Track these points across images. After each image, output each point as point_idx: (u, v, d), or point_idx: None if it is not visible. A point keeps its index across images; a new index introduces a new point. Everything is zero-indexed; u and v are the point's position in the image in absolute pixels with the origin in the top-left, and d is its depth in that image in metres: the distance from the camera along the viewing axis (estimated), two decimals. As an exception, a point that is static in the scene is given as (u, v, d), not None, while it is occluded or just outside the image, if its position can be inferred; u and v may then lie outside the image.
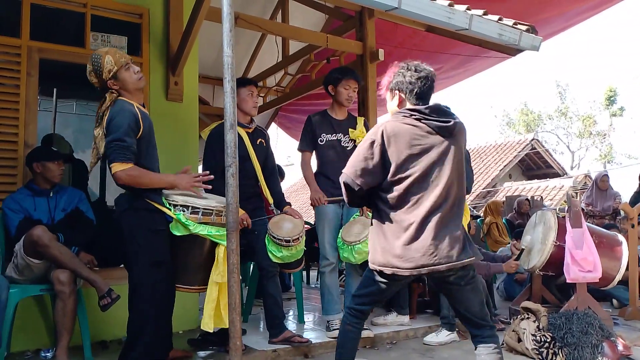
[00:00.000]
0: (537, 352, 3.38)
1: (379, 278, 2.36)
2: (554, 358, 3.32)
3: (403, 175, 2.25)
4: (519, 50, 5.04)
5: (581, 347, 3.30)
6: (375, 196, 2.36)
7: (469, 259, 2.24)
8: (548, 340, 3.39)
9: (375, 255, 2.34)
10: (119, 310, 3.05)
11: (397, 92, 2.40)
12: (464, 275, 2.27)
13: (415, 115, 2.28)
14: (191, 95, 4.31)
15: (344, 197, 2.42)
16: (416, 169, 2.24)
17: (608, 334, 3.40)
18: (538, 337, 3.43)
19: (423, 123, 2.27)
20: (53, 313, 3.06)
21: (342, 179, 2.35)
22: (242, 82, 3.60)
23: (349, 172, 2.32)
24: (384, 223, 2.31)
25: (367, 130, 4.00)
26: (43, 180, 3.38)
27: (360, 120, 4.07)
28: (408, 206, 2.25)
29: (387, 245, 2.27)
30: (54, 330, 3.02)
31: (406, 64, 2.41)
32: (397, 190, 2.26)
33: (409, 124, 2.27)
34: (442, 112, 2.31)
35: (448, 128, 2.28)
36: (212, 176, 2.88)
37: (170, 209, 2.79)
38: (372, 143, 2.28)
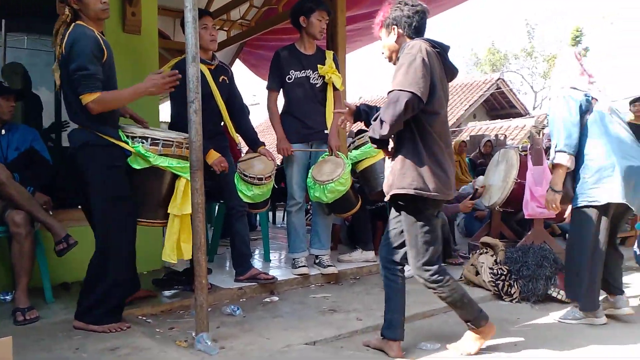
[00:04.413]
0: (494, 284, 3.52)
1: (427, 209, 2.31)
2: (510, 290, 3.47)
3: (439, 103, 2.29)
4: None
5: (535, 279, 3.45)
6: (418, 123, 2.27)
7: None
8: (504, 273, 3.53)
9: (425, 182, 2.24)
10: (81, 252, 2.99)
11: (394, 27, 2.38)
12: None
13: (437, 49, 2.31)
14: (150, 27, 4.08)
15: (390, 124, 2.16)
16: (443, 100, 2.32)
17: (561, 266, 3.55)
18: (495, 270, 3.56)
19: (442, 59, 2.32)
20: (10, 255, 2.99)
21: (403, 98, 2.13)
22: None
23: (415, 89, 2.14)
24: (432, 150, 2.27)
25: (337, 65, 3.90)
26: None
27: (330, 55, 3.94)
28: (443, 136, 2.32)
29: (438, 171, 2.27)
30: (13, 273, 2.96)
31: None
32: (437, 118, 2.30)
33: (434, 54, 2.29)
34: (449, 52, 2.38)
35: (453, 74, 2.41)
36: (180, 75, 2.67)
37: (127, 142, 2.69)
38: (424, 61, 2.19)
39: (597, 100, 2.99)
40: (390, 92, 2.21)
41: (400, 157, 2.31)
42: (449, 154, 2.36)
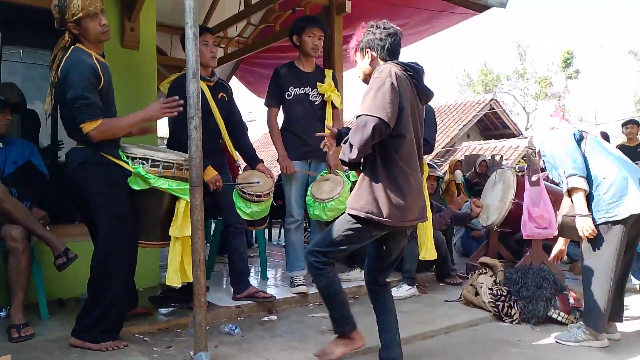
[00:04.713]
0: (494, 305, 3.50)
1: (372, 231, 2.33)
2: (510, 311, 3.45)
3: (406, 127, 2.28)
4: (486, 7, 5.01)
5: (535, 301, 3.43)
6: (380, 145, 2.27)
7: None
8: (504, 294, 3.51)
9: (375, 206, 2.26)
10: (76, 268, 2.94)
11: (368, 50, 2.42)
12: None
13: (410, 72, 2.33)
14: (149, 42, 4.09)
15: (358, 148, 2.18)
16: (409, 124, 2.30)
17: (560, 288, 3.54)
18: (495, 291, 3.54)
19: (413, 82, 2.33)
20: (6, 271, 2.93)
21: (370, 123, 2.13)
22: None
23: (382, 114, 2.14)
24: (393, 175, 2.27)
25: (336, 84, 3.92)
26: None
27: (329, 73, 3.97)
28: (407, 160, 2.30)
29: (394, 197, 2.25)
30: (8, 289, 2.90)
31: (373, 22, 2.43)
32: (403, 142, 2.28)
33: (405, 77, 2.30)
34: (423, 75, 2.40)
35: (427, 96, 2.41)
36: (181, 101, 2.65)
37: (128, 162, 2.68)
38: (392, 85, 2.20)
39: (587, 132, 3.09)
40: (358, 116, 2.23)
41: (360, 177, 2.35)
42: (415, 179, 2.33)
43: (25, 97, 4.33)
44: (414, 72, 2.33)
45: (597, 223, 2.87)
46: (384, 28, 2.40)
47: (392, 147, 2.27)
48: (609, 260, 2.85)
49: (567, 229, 3.00)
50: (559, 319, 3.37)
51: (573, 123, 3.21)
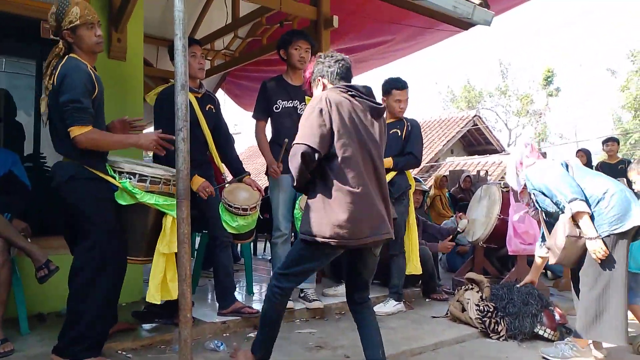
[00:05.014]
0: (480, 322, 3.49)
1: (320, 251, 2.38)
2: (496, 327, 3.44)
3: (344, 147, 2.32)
4: (471, 25, 5.07)
5: (522, 317, 3.43)
6: (318, 168, 2.35)
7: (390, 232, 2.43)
8: (491, 310, 3.51)
9: (320, 227, 2.30)
10: (57, 281, 2.88)
11: (319, 79, 2.57)
12: (379, 246, 2.49)
13: (351, 92, 2.43)
14: (135, 54, 4.05)
15: (295, 176, 2.32)
16: (354, 144, 2.35)
17: (546, 303, 3.55)
18: (481, 307, 3.54)
19: (357, 101, 2.42)
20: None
21: (298, 150, 2.25)
22: None
23: (309, 141, 2.26)
24: (331, 195, 2.31)
25: None
26: None
27: (317, 87, 3.96)
28: (350, 179, 2.31)
29: (334, 217, 2.27)
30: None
31: (321, 54, 2.63)
32: (340, 162, 2.31)
33: (347, 99, 2.40)
34: (372, 94, 2.51)
35: (378, 110, 2.48)
36: (173, 137, 2.63)
37: (115, 177, 2.64)
38: (321, 111, 2.31)
39: (569, 160, 3.17)
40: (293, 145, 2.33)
41: (306, 202, 2.44)
42: (361, 196, 2.31)
43: (11, 106, 4.26)
44: (356, 92, 2.43)
45: (602, 237, 2.87)
46: (331, 56, 2.57)
47: (329, 167, 2.33)
48: (620, 270, 2.85)
49: (570, 249, 2.95)
50: (545, 335, 3.38)
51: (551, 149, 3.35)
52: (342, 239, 2.28)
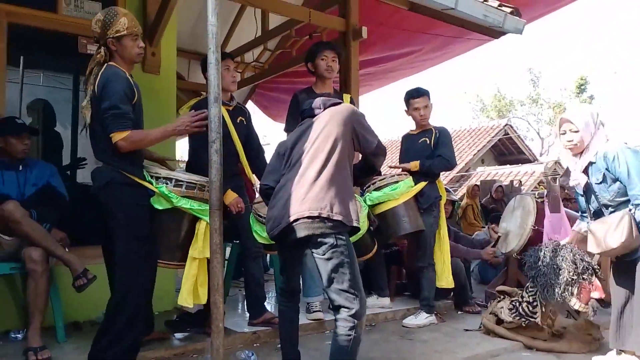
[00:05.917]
0: (516, 314, 3.44)
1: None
2: (533, 309, 3.37)
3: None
4: (502, 33, 5.00)
5: (550, 287, 3.22)
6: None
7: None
8: (520, 300, 3.45)
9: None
10: (92, 290, 2.94)
11: None
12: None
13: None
14: (169, 67, 4.16)
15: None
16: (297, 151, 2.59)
17: (583, 271, 3.19)
18: (513, 303, 3.50)
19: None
20: (24, 293, 2.93)
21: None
22: None
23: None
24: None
25: None
26: (7, 154, 3.21)
27: (347, 97, 3.98)
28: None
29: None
30: (25, 311, 2.89)
31: None
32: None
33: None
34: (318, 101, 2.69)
35: (312, 109, 2.69)
36: (205, 112, 2.66)
37: (152, 182, 2.70)
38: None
39: None
40: None
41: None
42: (285, 190, 2.47)
43: (50, 117, 4.40)
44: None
45: None
46: None
47: None
48: None
49: (618, 251, 2.82)
50: (575, 307, 3.16)
51: None
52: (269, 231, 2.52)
